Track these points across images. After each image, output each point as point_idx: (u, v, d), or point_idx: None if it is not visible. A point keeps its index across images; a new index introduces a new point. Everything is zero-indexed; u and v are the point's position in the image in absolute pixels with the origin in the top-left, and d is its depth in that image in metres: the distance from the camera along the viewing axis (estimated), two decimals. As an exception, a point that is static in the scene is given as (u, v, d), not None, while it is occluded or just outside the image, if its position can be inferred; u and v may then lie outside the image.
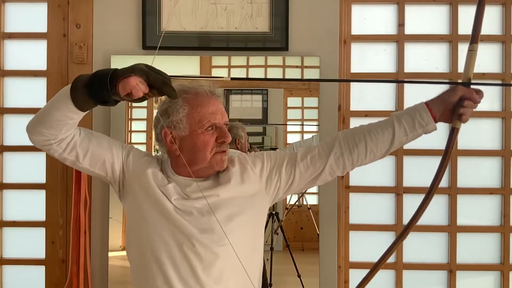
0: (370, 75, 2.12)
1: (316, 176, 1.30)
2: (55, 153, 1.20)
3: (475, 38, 1.24)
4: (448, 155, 1.23)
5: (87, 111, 1.13)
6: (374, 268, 1.27)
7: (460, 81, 1.26)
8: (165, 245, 1.23)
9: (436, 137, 2.11)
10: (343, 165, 1.28)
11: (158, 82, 1.05)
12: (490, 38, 2.10)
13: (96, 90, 1.06)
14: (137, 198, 1.29)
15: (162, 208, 1.24)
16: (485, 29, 2.09)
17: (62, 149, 1.19)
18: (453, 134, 1.23)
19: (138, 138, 2.26)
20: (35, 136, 1.16)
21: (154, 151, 2.13)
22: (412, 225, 1.24)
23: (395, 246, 1.27)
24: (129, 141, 2.19)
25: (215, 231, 1.22)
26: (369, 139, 1.26)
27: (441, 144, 2.08)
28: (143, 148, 2.22)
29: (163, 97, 1.24)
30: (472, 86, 1.24)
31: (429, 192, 1.24)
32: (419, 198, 2.06)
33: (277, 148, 2.23)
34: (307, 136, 2.27)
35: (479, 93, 1.22)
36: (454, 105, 1.22)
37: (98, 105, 1.11)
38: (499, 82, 2.13)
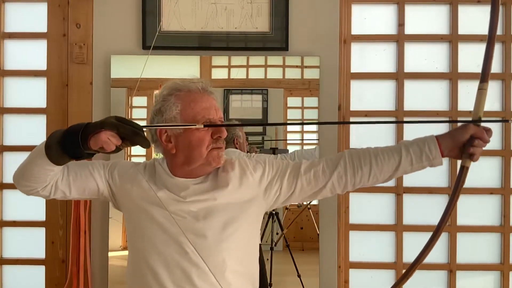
0: (370, 75, 2.12)
1: (316, 192, 1.30)
2: (43, 197, 1.26)
3: (485, 76, 1.23)
4: (457, 193, 1.23)
5: (65, 164, 1.18)
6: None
7: (458, 117, 1.25)
8: (159, 255, 1.23)
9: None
10: (344, 184, 1.28)
11: (128, 134, 1.08)
12: (490, 38, 2.10)
13: (69, 147, 1.10)
14: (129, 211, 1.30)
15: (153, 219, 1.24)
16: (485, 29, 2.10)
17: (48, 192, 1.24)
18: (462, 173, 1.23)
19: (138, 138, 2.26)
20: (23, 187, 1.23)
21: (154, 152, 2.13)
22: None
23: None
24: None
25: (208, 237, 1.22)
26: (375, 163, 1.25)
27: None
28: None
29: (157, 96, 1.28)
30: (481, 124, 1.23)
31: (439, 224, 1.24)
32: (419, 198, 2.10)
33: (277, 148, 2.23)
34: (307, 136, 2.27)
35: (489, 132, 1.22)
36: (464, 143, 1.22)
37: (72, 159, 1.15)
38: (502, 116, 2.13)
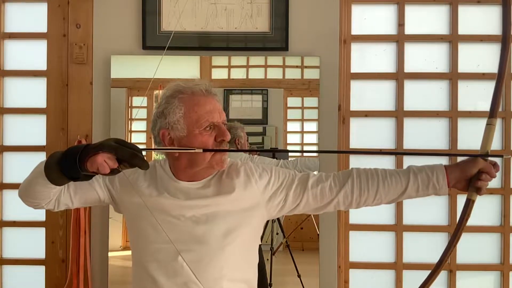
0: (370, 75, 2.12)
1: (321, 207, 1.29)
2: (49, 210, 1.27)
3: (494, 112, 1.23)
4: (462, 226, 1.23)
5: (65, 184, 1.18)
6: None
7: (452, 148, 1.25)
8: (158, 262, 1.22)
9: (436, 136, 2.12)
10: (349, 203, 1.28)
11: (126, 156, 1.07)
12: (490, 38, 2.10)
13: (67, 168, 1.10)
14: (130, 217, 1.30)
15: (153, 226, 1.23)
16: (485, 29, 2.11)
17: (53, 206, 1.25)
18: (468, 206, 1.23)
19: (138, 138, 2.26)
20: (28, 203, 1.24)
21: (155, 154, 2.13)
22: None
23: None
24: (129, 142, 2.19)
25: (208, 244, 1.21)
26: (382, 186, 1.25)
27: (441, 144, 2.10)
28: (143, 147, 2.22)
29: (159, 99, 1.26)
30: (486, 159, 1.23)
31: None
32: (419, 198, 2.10)
33: (277, 148, 2.23)
34: (307, 136, 2.27)
35: (495, 166, 1.23)
36: (472, 176, 1.22)
37: (71, 181, 1.16)
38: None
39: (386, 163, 2.10)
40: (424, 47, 2.13)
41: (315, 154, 2.16)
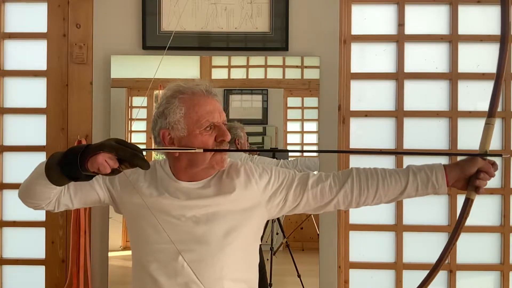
0: (370, 75, 2.12)
1: (321, 206, 1.30)
2: (49, 211, 1.27)
3: (492, 112, 1.24)
4: (461, 225, 1.24)
5: (65, 184, 1.18)
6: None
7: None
8: (159, 262, 1.22)
9: (436, 136, 2.12)
10: (349, 203, 1.28)
11: (127, 156, 1.07)
12: (490, 38, 2.10)
13: (67, 168, 1.10)
14: (130, 217, 1.30)
15: (153, 226, 1.23)
16: (485, 29, 2.11)
17: (53, 207, 1.25)
18: (467, 205, 1.24)
19: (138, 138, 2.26)
20: (28, 204, 1.24)
21: (155, 154, 2.13)
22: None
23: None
24: (129, 142, 2.19)
25: (209, 244, 1.21)
26: (381, 186, 1.26)
27: (441, 144, 2.10)
28: (143, 147, 2.22)
29: (159, 99, 1.27)
30: (485, 159, 1.23)
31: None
32: (419, 198, 2.09)
33: (277, 148, 2.23)
34: (307, 136, 2.27)
35: (494, 166, 1.23)
36: (471, 175, 1.23)
37: (72, 181, 1.15)
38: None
39: (386, 163, 2.11)
40: (424, 47, 2.13)
41: (315, 154, 2.17)
